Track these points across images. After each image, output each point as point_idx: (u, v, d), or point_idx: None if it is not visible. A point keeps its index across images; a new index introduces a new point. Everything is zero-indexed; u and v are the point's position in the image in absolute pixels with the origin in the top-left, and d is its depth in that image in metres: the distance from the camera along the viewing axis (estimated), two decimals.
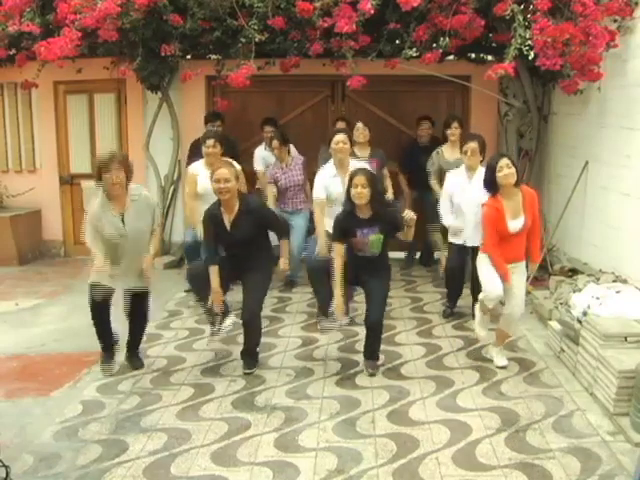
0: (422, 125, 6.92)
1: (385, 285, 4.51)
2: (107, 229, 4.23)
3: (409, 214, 4.22)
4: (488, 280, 4.41)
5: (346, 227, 4.37)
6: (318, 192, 5.31)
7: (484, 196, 4.41)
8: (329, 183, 5.22)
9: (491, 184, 4.30)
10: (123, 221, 4.26)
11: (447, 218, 5.45)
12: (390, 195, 6.24)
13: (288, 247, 4.66)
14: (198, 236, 5.30)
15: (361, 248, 4.36)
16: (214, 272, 4.37)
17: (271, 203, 6.12)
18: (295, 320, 5.65)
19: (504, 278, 4.31)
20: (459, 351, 4.90)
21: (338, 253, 4.40)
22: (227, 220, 4.37)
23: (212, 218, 4.43)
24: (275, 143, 6.26)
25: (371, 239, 4.31)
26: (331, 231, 4.74)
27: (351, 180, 4.30)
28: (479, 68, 6.73)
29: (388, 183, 6.35)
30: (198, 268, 4.62)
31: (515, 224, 4.27)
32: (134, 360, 4.63)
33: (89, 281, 4.36)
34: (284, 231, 4.67)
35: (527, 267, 4.52)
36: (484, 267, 4.44)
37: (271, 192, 6.28)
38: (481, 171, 4.77)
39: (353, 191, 4.26)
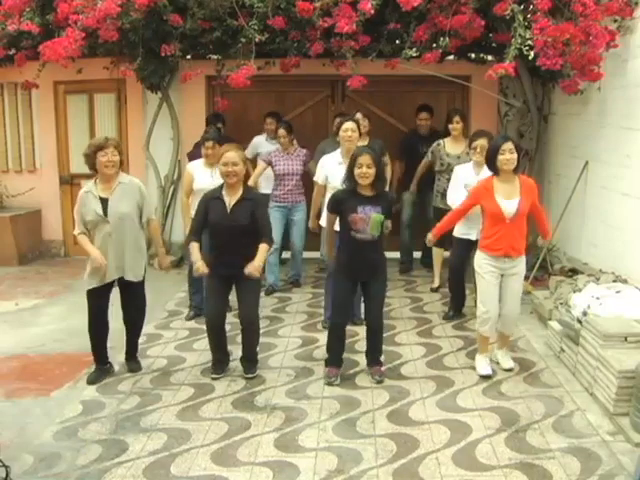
0: (420, 115, 6.93)
1: (384, 285, 4.47)
2: (88, 214, 4.25)
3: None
4: (485, 297, 4.37)
5: (345, 202, 4.24)
6: (319, 176, 5.32)
7: None
8: (332, 170, 5.12)
9: (491, 164, 4.30)
10: (106, 206, 4.26)
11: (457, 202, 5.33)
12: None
13: (266, 254, 4.36)
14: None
15: (360, 228, 4.18)
16: (195, 248, 4.33)
17: (256, 175, 6.20)
18: (295, 320, 5.65)
19: (435, 230, 4.63)
20: (459, 351, 4.90)
21: (330, 221, 4.36)
22: (228, 203, 4.30)
23: (211, 200, 4.36)
24: (281, 131, 6.26)
25: (373, 217, 4.16)
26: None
27: (354, 160, 4.18)
28: (479, 68, 6.73)
29: (388, 172, 6.21)
30: (218, 318, 4.43)
31: (509, 205, 4.23)
32: (132, 363, 4.61)
33: (86, 288, 4.36)
34: (268, 233, 4.36)
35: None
36: (481, 282, 4.38)
37: (260, 166, 6.32)
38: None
39: (357, 171, 4.14)
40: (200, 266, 4.26)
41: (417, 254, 7.32)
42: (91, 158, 4.25)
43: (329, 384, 4.30)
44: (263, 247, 4.27)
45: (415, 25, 5.91)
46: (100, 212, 4.24)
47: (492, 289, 4.35)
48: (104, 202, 4.26)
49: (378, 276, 4.37)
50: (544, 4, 5.11)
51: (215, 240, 4.40)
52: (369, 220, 4.17)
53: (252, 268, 4.17)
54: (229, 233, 4.27)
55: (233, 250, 4.26)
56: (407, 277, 6.99)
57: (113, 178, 4.30)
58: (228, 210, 4.29)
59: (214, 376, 4.46)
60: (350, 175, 4.22)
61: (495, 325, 4.47)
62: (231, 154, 4.27)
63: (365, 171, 4.13)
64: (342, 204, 4.26)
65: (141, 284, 4.50)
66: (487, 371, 4.43)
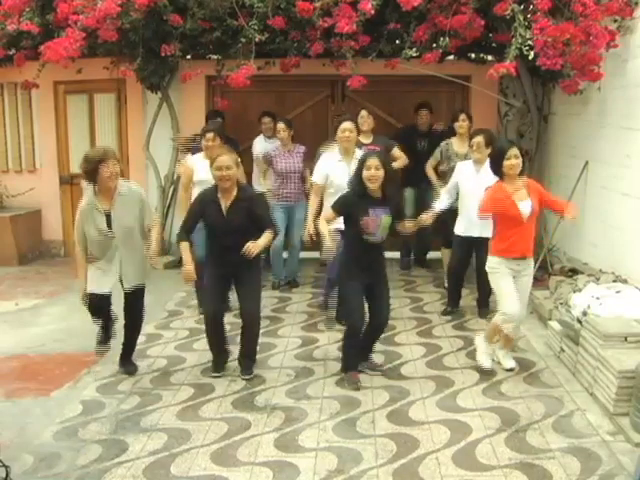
0: (421, 112, 6.93)
1: (388, 286, 4.43)
2: (92, 230, 4.19)
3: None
4: (507, 297, 4.28)
5: (356, 205, 4.18)
6: (318, 177, 5.21)
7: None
8: (332, 169, 5.07)
9: (497, 168, 4.30)
10: (109, 220, 4.21)
11: (439, 201, 5.35)
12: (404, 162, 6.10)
13: (269, 241, 4.35)
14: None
15: (372, 230, 4.14)
16: (185, 248, 4.30)
17: (264, 178, 6.32)
18: (295, 320, 5.65)
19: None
20: (459, 351, 4.90)
21: (327, 217, 4.33)
22: (224, 206, 4.30)
23: (207, 202, 4.33)
24: (281, 125, 6.25)
25: (383, 220, 4.15)
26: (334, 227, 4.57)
27: (363, 163, 4.14)
28: (479, 68, 6.74)
29: (403, 161, 6.14)
30: (216, 315, 4.43)
31: (525, 206, 4.23)
32: (127, 365, 4.57)
33: (86, 290, 4.33)
34: (272, 225, 4.38)
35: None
36: (501, 281, 4.31)
37: (263, 167, 6.39)
38: (488, 164, 4.75)
39: (366, 173, 4.10)
40: (189, 272, 4.28)
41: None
42: (93, 173, 4.12)
43: (356, 389, 4.21)
44: (267, 233, 4.28)
45: (415, 25, 5.92)
46: (104, 228, 4.19)
47: (513, 287, 4.29)
48: (107, 216, 4.21)
49: (382, 277, 4.38)
50: (544, 4, 5.11)
51: (214, 241, 4.41)
52: (380, 222, 4.16)
53: (251, 246, 4.14)
54: (226, 235, 4.27)
55: (232, 251, 4.25)
56: (407, 277, 6.99)
57: (114, 188, 4.22)
58: (224, 213, 4.29)
59: (214, 374, 4.46)
60: (359, 178, 4.18)
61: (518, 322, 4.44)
62: (224, 158, 4.23)
63: (374, 173, 4.09)
64: (353, 207, 4.21)
65: (143, 290, 4.51)
66: (512, 364, 4.49)
